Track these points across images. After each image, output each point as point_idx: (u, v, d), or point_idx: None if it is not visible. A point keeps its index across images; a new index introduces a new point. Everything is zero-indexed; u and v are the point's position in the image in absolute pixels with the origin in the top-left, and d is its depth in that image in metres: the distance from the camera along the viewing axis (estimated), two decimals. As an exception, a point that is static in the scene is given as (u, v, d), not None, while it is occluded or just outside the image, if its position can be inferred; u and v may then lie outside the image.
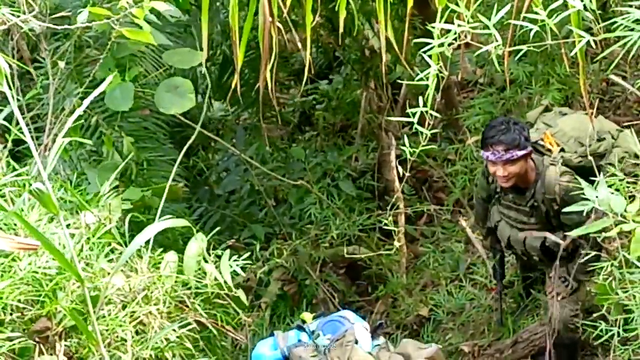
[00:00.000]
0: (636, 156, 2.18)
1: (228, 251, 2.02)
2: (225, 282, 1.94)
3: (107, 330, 1.77)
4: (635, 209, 1.66)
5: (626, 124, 2.86)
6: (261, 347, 2.02)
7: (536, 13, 1.43)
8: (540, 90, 3.30)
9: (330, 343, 1.95)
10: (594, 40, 1.42)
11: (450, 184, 3.90)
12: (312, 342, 2.00)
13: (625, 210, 1.64)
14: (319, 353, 1.96)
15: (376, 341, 2.03)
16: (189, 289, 1.95)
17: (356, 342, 1.93)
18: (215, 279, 1.95)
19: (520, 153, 2.38)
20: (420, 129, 1.72)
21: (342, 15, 1.70)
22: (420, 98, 1.69)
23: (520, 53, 1.69)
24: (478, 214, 3.05)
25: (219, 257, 1.97)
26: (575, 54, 1.61)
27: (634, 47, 1.33)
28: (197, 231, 1.97)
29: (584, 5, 1.38)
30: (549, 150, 2.51)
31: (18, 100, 2.01)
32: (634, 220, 1.63)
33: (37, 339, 1.77)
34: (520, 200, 2.60)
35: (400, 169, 2.29)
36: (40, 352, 1.77)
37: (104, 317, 1.78)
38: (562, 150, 2.51)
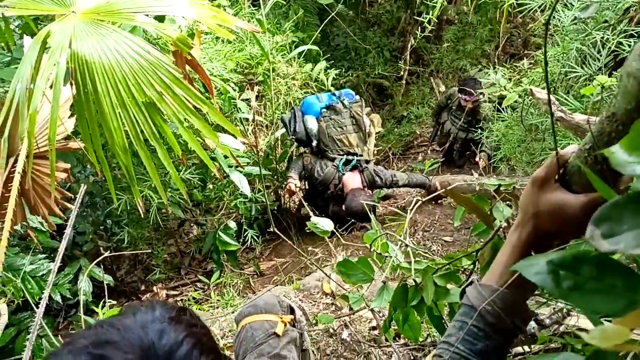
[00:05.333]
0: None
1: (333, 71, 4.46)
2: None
3: (274, 85, 4.25)
4: (509, 85, 3.77)
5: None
6: (311, 98, 4.18)
7: None
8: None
9: (349, 103, 4.17)
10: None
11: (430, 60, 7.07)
12: (340, 102, 4.18)
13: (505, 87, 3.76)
14: (345, 107, 4.14)
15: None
16: (310, 78, 4.41)
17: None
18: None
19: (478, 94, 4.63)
20: (427, 25, 3.91)
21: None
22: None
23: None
24: (434, 111, 5.57)
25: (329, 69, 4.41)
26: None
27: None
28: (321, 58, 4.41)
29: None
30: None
31: None
32: (507, 89, 3.74)
33: (246, 83, 4.30)
34: (462, 112, 4.95)
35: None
36: (248, 89, 4.29)
37: (274, 79, 4.25)
38: None
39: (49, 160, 2.03)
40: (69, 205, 2.19)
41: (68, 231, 1.75)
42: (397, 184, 4.19)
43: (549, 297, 1.39)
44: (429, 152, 6.11)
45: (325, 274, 2.66)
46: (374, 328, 2.28)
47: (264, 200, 3.92)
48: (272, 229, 2.32)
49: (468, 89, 4.74)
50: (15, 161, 1.83)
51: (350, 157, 4.12)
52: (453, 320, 0.87)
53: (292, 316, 1.51)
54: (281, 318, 1.46)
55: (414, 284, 1.40)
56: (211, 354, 0.63)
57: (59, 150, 2.06)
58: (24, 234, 3.08)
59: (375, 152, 4.59)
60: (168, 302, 0.70)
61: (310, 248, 3.88)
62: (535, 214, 0.83)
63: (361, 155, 4.16)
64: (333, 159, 4.14)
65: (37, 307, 1.91)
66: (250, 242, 3.89)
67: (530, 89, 2.36)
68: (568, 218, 0.78)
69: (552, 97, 2.31)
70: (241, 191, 3.42)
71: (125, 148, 1.61)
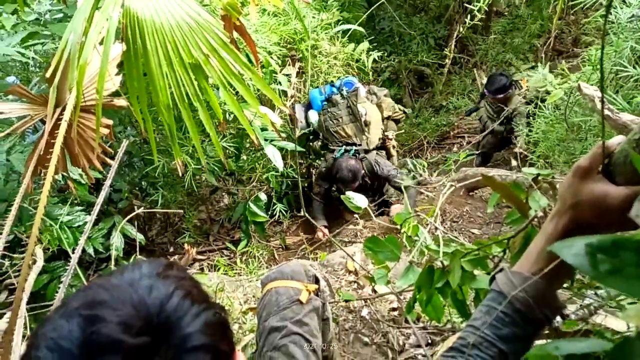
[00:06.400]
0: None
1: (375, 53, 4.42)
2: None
3: (315, 63, 4.25)
4: (556, 81, 3.68)
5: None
6: (314, 92, 4.21)
7: None
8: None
9: (348, 93, 4.14)
10: None
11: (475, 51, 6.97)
12: (339, 92, 4.16)
13: (551, 82, 3.67)
14: (343, 97, 4.13)
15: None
16: (352, 59, 4.38)
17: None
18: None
19: (502, 94, 4.62)
20: (476, 13, 3.83)
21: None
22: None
23: None
24: (481, 91, 5.29)
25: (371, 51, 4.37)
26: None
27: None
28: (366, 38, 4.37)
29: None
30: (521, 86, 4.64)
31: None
32: (553, 85, 3.65)
33: (289, 58, 4.30)
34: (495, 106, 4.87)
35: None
36: (290, 64, 4.30)
37: (316, 56, 4.25)
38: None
39: (93, 114, 2.09)
40: (108, 160, 2.25)
41: (107, 184, 1.81)
42: (393, 178, 4.01)
43: (576, 292, 1.37)
44: (464, 144, 6.03)
45: (348, 254, 2.67)
46: (394, 309, 2.30)
47: (295, 175, 3.94)
48: (303, 214, 2.32)
49: (494, 86, 4.65)
50: (62, 111, 1.89)
51: (348, 148, 4.13)
52: (480, 305, 0.86)
53: (316, 286, 1.53)
54: (306, 287, 1.48)
55: (440, 266, 1.40)
56: (203, 303, 0.63)
57: (104, 106, 2.11)
58: (63, 186, 3.18)
59: (393, 135, 4.48)
60: (156, 259, 0.70)
61: (335, 227, 3.90)
62: (575, 203, 0.81)
63: (360, 145, 4.16)
64: (333, 151, 4.18)
65: (72, 255, 1.98)
66: (278, 216, 3.93)
67: (579, 84, 2.30)
68: (609, 209, 0.76)
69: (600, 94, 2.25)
70: (274, 165, 3.45)
71: (170, 107, 1.65)
